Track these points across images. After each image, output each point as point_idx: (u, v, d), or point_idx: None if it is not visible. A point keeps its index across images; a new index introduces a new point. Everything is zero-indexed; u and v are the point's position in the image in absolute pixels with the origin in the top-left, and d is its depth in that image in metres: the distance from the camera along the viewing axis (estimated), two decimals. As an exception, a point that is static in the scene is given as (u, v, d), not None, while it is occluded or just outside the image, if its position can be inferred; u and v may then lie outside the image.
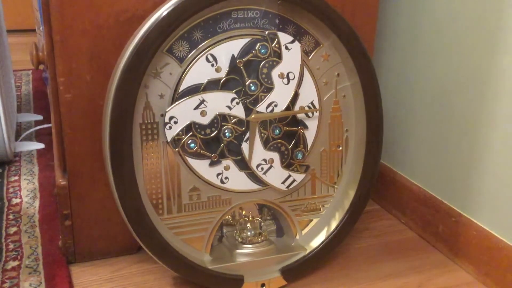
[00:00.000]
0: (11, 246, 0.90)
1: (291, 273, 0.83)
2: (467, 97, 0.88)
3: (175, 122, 0.74)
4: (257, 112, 0.77)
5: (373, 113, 0.83)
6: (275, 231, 0.88)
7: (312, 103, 0.80)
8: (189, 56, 0.74)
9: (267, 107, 0.77)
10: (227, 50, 0.75)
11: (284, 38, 0.77)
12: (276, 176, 0.80)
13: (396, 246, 0.96)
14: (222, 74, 0.75)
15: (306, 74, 0.79)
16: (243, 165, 0.79)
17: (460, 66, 0.89)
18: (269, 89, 0.77)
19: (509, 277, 0.81)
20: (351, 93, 0.83)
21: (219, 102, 0.75)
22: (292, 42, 0.77)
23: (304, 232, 0.86)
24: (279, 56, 0.77)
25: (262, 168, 0.79)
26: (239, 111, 0.76)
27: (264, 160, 0.79)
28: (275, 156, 0.80)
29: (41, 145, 1.34)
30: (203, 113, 0.75)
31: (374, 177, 0.86)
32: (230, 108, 0.76)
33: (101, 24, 0.76)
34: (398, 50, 1.03)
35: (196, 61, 0.74)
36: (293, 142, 0.81)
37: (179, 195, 0.77)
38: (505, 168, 0.82)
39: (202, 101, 0.74)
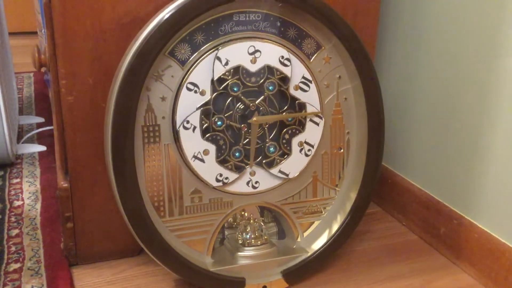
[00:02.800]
0: (13, 248, 0.91)
1: (292, 275, 0.83)
2: (468, 99, 0.88)
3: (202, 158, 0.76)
4: (259, 114, 0.77)
5: (374, 115, 0.83)
6: (277, 233, 0.88)
7: (304, 76, 0.79)
8: (191, 58, 0.74)
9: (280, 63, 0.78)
10: (203, 72, 0.75)
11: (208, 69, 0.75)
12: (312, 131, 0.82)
13: (398, 249, 0.96)
14: (208, 96, 0.75)
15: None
16: (268, 164, 0.80)
17: (461, 68, 0.89)
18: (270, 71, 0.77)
19: (511, 279, 0.81)
20: (353, 96, 0.83)
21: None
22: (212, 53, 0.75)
23: (305, 234, 0.86)
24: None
25: (309, 149, 0.81)
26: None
27: (301, 148, 0.81)
28: (294, 143, 0.81)
29: (42, 148, 1.34)
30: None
31: (376, 180, 0.86)
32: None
33: (103, 26, 0.76)
34: (399, 53, 1.04)
35: (180, 93, 0.74)
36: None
37: (180, 197, 0.77)
38: (507, 170, 0.82)
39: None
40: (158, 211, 0.77)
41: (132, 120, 0.71)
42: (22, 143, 1.36)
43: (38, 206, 1.05)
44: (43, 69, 1.40)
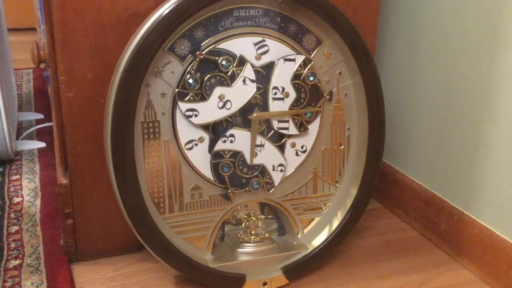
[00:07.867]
0: (13, 245, 0.90)
1: (293, 271, 0.83)
2: (469, 95, 0.88)
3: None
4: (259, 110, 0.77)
5: (375, 111, 0.83)
6: (277, 229, 0.88)
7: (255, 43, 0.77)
8: (190, 54, 0.73)
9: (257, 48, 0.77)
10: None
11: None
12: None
13: (398, 245, 0.96)
14: (207, 138, 0.76)
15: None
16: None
17: (462, 63, 0.89)
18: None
19: (511, 275, 0.81)
20: (353, 92, 0.83)
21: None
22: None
23: (306, 230, 0.86)
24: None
25: None
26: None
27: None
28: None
29: (42, 144, 1.33)
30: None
31: (376, 176, 0.86)
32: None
33: (103, 22, 0.76)
34: (400, 48, 1.03)
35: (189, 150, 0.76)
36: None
37: (180, 193, 0.77)
38: (507, 166, 0.82)
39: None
40: (158, 207, 0.76)
41: (132, 116, 0.71)
42: (22, 139, 1.35)
43: (38, 202, 1.05)
44: (42, 65, 1.40)
